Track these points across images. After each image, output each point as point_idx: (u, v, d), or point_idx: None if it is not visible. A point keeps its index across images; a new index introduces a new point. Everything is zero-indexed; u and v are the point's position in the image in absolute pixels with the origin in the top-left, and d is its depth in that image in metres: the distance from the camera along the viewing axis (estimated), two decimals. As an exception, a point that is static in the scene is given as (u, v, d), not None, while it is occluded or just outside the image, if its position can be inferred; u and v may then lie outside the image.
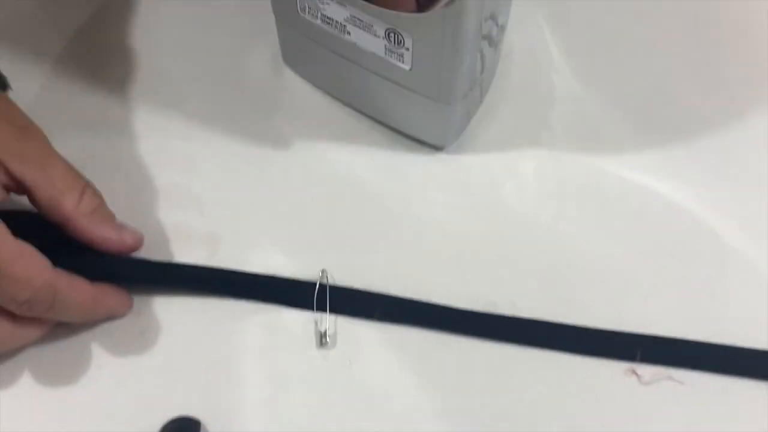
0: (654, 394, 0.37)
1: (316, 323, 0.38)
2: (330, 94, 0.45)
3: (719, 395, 0.37)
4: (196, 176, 0.43)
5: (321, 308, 0.38)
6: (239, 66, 0.47)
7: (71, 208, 0.35)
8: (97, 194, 0.37)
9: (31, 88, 0.44)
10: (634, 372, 0.37)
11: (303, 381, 0.37)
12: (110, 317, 0.38)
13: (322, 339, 0.38)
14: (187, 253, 0.40)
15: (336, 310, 0.38)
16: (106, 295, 0.37)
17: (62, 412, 0.36)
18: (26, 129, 0.36)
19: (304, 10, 0.40)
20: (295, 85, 0.46)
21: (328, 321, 0.38)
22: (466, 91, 0.40)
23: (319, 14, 0.40)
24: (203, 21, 0.49)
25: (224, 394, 0.37)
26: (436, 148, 0.43)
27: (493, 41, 0.40)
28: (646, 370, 0.37)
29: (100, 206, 0.37)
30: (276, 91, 0.46)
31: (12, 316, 0.34)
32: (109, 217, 0.37)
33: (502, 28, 0.40)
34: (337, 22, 0.39)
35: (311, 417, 0.36)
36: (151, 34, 0.48)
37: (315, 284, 0.39)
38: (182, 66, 0.47)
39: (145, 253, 0.39)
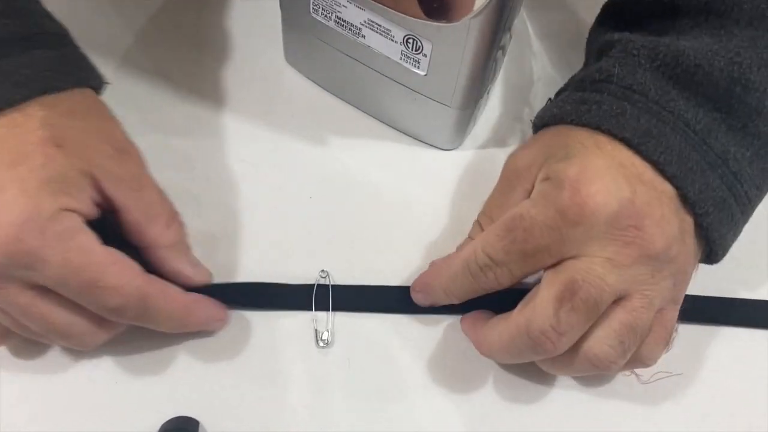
0: (653, 393, 0.38)
1: (314, 323, 0.39)
2: (334, 94, 0.46)
3: (718, 390, 0.39)
4: (194, 176, 0.42)
5: (319, 308, 0.39)
6: (241, 65, 0.47)
7: (154, 237, 0.35)
8: (181, 226, 0.37)
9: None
10: (632, 372, 0.39)
11: (302, 380, 0.37)
12: (203, 330, 0.37)
13: (320, 338, 0.38)
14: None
15: (335, 307, 0.39)
16: (199, 305, 0.36)
17: (62, 412, 0.36)
18: (125, 151, 0.35)
19: (317, 11, 0.40)
20: (297, 84, 0.46)
21: (327, 320, 0.39)
22: (478, 97, 0.41)
23: (334, 16, 0.40)
24: (204, 19, 0.48)
25: (223, 393, 0.37)
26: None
27: (505, 50, 0.41)
28: (645, 370, 0.39)
29: (182, 239, 0.37)
30: (277, 90, 0.46)
31: (94, 316, 0.34)
32: (186, 251, 0.37)
33: (511, 36, 0.40)
34: (352, 24, 0.39)
35: (310, 416, 0.37)
36: (150, 32, 0.47)
37: (312, 286, 0.39)
38: (182, 65, 0.46)
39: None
